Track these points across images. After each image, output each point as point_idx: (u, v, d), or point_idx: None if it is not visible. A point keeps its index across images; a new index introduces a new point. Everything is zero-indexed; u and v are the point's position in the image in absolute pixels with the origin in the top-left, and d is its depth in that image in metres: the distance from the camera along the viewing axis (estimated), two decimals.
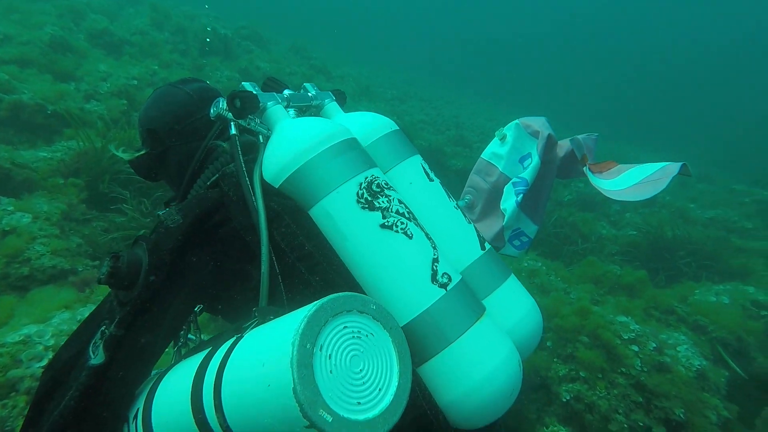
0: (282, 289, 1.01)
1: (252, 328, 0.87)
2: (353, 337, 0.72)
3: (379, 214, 1.02)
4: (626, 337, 2.95)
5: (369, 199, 1.03)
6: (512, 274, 1.18)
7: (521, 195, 1.39)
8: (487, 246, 1.18)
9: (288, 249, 1.03)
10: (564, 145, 1.49)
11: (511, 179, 1.47)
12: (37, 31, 5.49)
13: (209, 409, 0.81)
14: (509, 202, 1.40)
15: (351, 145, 1.07)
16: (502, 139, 1.50)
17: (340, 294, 0.73)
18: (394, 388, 0.71)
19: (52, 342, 1.76)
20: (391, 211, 1.02)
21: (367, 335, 0.73)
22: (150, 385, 1.00)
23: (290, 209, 1.05)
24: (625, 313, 3.31)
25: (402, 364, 0.73)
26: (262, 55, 9.14)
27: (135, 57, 6.42)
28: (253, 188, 1.04)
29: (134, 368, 1.00)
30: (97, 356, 0.94)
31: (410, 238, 1.00)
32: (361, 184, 1.03)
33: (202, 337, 1.22)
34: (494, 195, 1.50)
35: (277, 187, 1.05)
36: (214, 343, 0.96)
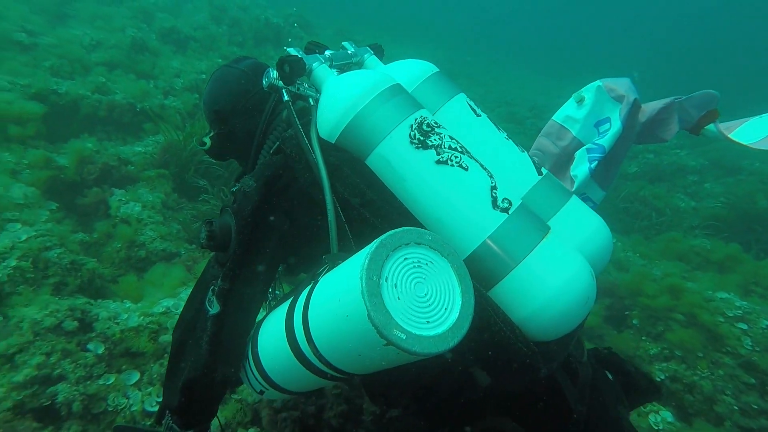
0: (350, 236, 1.07)
1: (325, 273, 0.96)
2: (414, 266, 0.78)
3: (433, 151, 1.05)
4: (731, 315, 2.72)
5: (421, 138, 1.06)
6: (574, 196, 1.18)
7: (596, 162, 1.32)
8: (544, 171, 1.18)
9: (351, 197, 1.08)
10: (646, 110, 1.39)
11: (584, 144, 1.40)
12: (120, 35, 6.03)
13: (303, 342, 0.93)
14: (581, 168, 1.34)
15: (396, 90, 1.11)
16: (580, 102, 1.42)
17: (398, 229, 0.79)
18: (459, 307, 0.77)
19: None
20: (444, 147, 1.05)
21: (426, 263, 0.79)
22: (253, 332, 1.18)
23: (348, 161, 1.10)
24: (723, 289, 3.08)
25: (463, 285, 0.79)
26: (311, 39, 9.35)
27: (198, 51, 6.89)
28: (311, 147, 1.10)
29: (243, 316, 1.17)
30: (213, 308, 1.13)
31: (466, 170, 1.03)
32: (411, 126, 1.06)
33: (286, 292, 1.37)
34: (563, 159, 1.43)
35: (333, 142, 1.11)
36: (296, 291, 1.09)
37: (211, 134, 1.44)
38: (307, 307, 0.91)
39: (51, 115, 4.20)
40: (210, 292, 1.15)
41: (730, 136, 1.33)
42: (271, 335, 1.09)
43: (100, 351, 1.87)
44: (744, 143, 1.29)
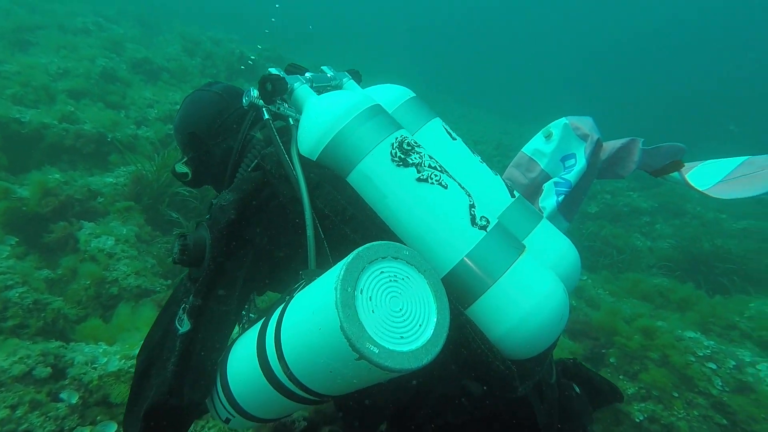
0: (328, 252, 1.07)
1: (301, 289, 0.93)
2: (390, 280, 0.77)
3: (413, 169, 1.06)
4: (701, 354, 2.80)
5: (402, 156, 1.07)
6: (544, 218, 1.21)
7: (562, 196, 1.38)
8: (516, 194, 1.21)
9: (332, 214, 1.07)
10: (607, 148, 1.48)
11: (551, 177, 1.46)
12: (88, 64, 5.88)
13: (273, 360, 0.89)
14: (549, 201, 1.38)
15: (377, 110, 1.12)
16: (548, 137, 1.48)
17: (375, 243, 0.78)
18: (434, 324, 0.76)
19: None
20: (424, 166, 1.06)
21: (403, 278, 0.78)
22: (223, 356, 1.10)
23: (329, 177, 1.10)
24: (688, 328, 3.20)
25: (439, 302, 0.78)
26: None
27: (170, 83, 6.81)
28: (292, 163, 1.09)
29: (214, 335, 1.09)
30: (183, 326, 1.05)
31: (445, 188, 1.05)
32: (393, 144, 1.08)
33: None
34: (531, 190, 1.49)
35: (314, 159, 1.12)
36: (270, 310, 1.04)
37: (185, 160, 1.39)
38: (281, 323, 0.88)
39: (12, 144, 3.97)
40: (180, 310, 1.08)
41: (686, 177, 1.39)
42: (241, 356, 1.04)
43: (74, 400, 1.70)
44: (698, 189, 1.34)
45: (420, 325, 0.75)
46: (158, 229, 3.68)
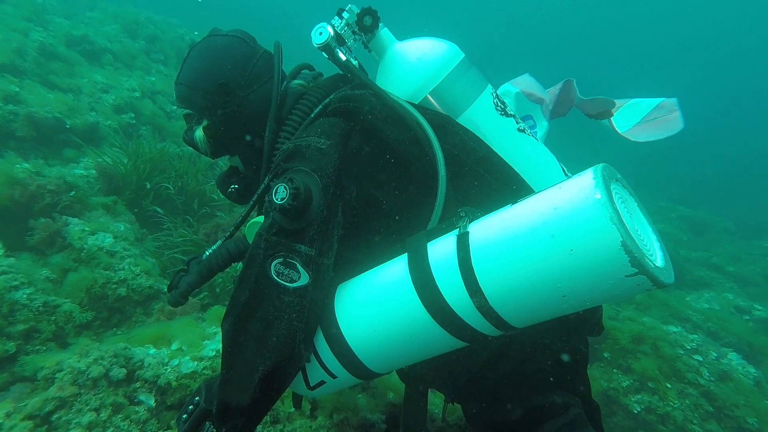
0: (451, 195, 1.03)
1: (471, 220, 0.91)
2: (621, 201, 0.76)
3: (512, 120, 1.11)
4: (689, 347, 3.04)
5: (502, 107, 1.12)
6: None
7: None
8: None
9: (462, 154, 1.06)
10: (552, 92, 1.50)
11: None
12: (21, 37, 5.14)
13: (457, 296, 0.85)
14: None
15: (468, 60, 1.14)
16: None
17: (604, 164, 0.78)
18: (659, 246, 0.77)
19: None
20: (518, 118, 1.13)
21: (625, 200, 0.78)
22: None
23: (446, 119, 1.09)
24: (663, 323, 3.45)
25: (654, 227, 0.79)
26: None
27: (114, 65, 6.18)
28: (400, 104, 1.05)
29: (325, 290, 1.02)
30: (298, 280, 0.96)
31: (537, 141, 1.13)
32: (493, 94, 1.11)
33: None
34: None
35: (417, 103, 1.10)
36: (415, 246, 0.96)
37: (205, 123, 1.19)
38: (467, 258, 0.86)
39: None
40: (278, 265, 0.97)
41: (612, 121, 1.41)
42: (372, 302, 0.99)
43: (152, 403, 1.63)
44: (619, 132, 1.36)
45: (652, 247, 0.75)
46: (144, 226, 3.43)
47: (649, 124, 1.31)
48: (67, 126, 4.02)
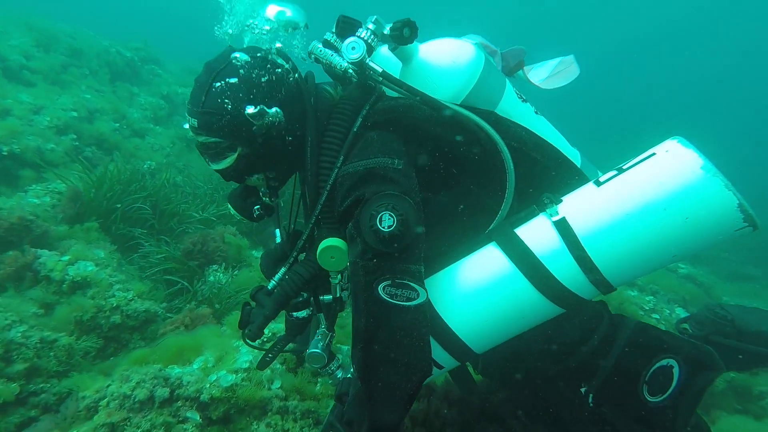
0: (513, 182, 1.11)
1: (555, 204, 1.02)
2: None
3: (529, 104, 1.26)
4: (647, 308, 3.37)
5: (520, 94, 1.26)
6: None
7: None
8: None
9: (519, 144, 1.16)
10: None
11: None
12: None
13: (570, 272, 0.96)
14: None
15: (489, 57, 1.26)
16: None
17: (679, 137, 0.94)
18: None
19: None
20: (528, 102, 1.28)
21: None
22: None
23: (497, 114, 1.18)
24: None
25: None
26: (170, 78, 8.64)
27: (40, 85, 5.65)
28: (453, 108, 1.10)
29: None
30: (418, 296, 1.00)
31: (548, 121, 1.31)
32: (512, 85, 1.24)
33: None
34: None
35: (459, 103, 1.17)
36: (498, 238, 1.06)
37: (240, 151, 1.16)
38: (575, 242, 0.98)
39: None
40: (387, 287, 1.00)
41: (528, 75, 1.54)
42: (480, 292, 1.06)
43: (198, 418, 1.63)
44: (535, 83, 1.49)
45: None
46: (119, 250, 3.23)
47: (555, 76, 1.51)
48: (4, 153, 3.67)
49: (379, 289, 1.00)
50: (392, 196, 1.02)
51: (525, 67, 1.57)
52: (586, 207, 1.03)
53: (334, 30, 1.25)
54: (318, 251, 1.16)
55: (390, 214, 0.97)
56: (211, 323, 2.37)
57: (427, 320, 1.03)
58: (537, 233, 1.06)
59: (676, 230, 0.93)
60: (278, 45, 1.19)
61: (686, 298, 4.50)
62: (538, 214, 1.09)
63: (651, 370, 1.19)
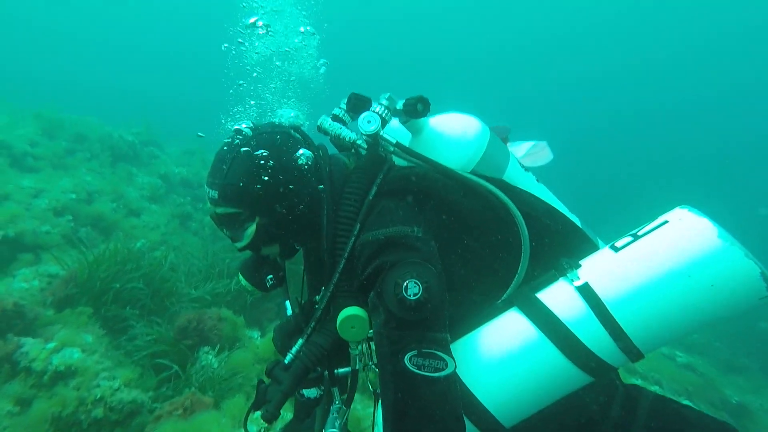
0: (527, 250, 1.12)
1: (574, 268, 1.04)
2: None
3: (530, 173, 1.35)
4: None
5: (521, 164, 1.34)
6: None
7: None
8: None
9: (531, 210, 1.20)
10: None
11: None
12: None
13: (600, 341, 0.97)
14: None
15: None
16: None
17: (689, 206, 1.02)
18: None
19: None
20: (529, 171, 1.36)
21: None
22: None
23: (506, 182, 1.23)
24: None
25: None
26: (169, 160, 8.95)
27: (44, 169, 5.80)
28: (464, 176, 1.16)
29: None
30: (447, 365, 0.97)
31: (548, 189, 1.37)
32: (512, 153, 1.32)
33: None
34: None
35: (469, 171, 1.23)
36: (520, 303, 1.05)
37: (259, 221, 1.18)
38: (602, 308, 0.98)
39: None
40: (414, 358, 0.97)
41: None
42: (506, 360, 1.03)
43: None
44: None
45: None
46: (109, 333, 3.08)
47: (529, 157, 1.60)
48: (2, 237, 3.64)
49: (405, 360, 0.97)
50: (415, 264, 1.02)
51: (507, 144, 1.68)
52: (608, 272, 1.03)
53: (342, 105, 1.34)
54: (339, 321, 1.13)
55: (415, 282, 0.97)
56: (209, 409, 2.18)
57: (458, 391, 0.99)
58: (560, 298, 1.04)
59: (703, 297, 0.95)
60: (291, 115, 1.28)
61: (689, 389, 4.50)
62: (558, 278, 1.08)
63: None
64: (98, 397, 2.29)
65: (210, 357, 3.06)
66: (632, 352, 1.00)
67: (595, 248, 1.25)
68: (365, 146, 1.26)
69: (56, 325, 2.76)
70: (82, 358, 2.44)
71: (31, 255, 3.68)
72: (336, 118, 1.32)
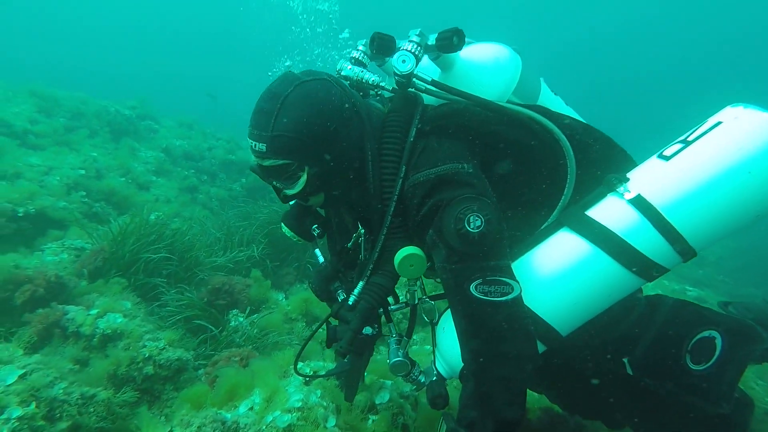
0: (574, 164, 1.18)
1: (623, 182, 1.08)
2: None
3: (559, 97, 1.40)
4: None
5: (551, 88, 1.40)
6: None
7: None
8: None
9: (574, 132, 1.22)
10: None
11: None
12: None
13: (656, 246, 1.01)
14: None
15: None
16: None
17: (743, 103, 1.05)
18: None
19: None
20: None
21: None
22: None
23: (543, 107, 1.27)
24: None
25: None
26: (168, 133, 8.86)
27: (48, 147, 5.77)
28: (506, 107, 1.17)
29: None
30: (513, 289, 1.04)
31: (575, 111, 1.43)
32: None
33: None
34: None
35: (507, 100, 1.24)
36: (570, 222, 1.11)
37: (310, 171, 1.17)
38: (658, 216, 1.03)
39: None
40: (479, 286, 1.03)
41: None
42: (563, 276, 1.10)
43: None
44: None
45: None
46: (144, 302, 3.22)
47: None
48: (20, 214, 3.71)
49: (471, 288, 1.03)
50: (472, 198, 1.05)
51: None
52: (661, 181, 1.07)
53: (361, 47, 1.30)
54: (398, 260, 1.18)
55: (477, 216, 1.00)
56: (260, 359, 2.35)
57: (525, 311, 1.06)
58: (612, 212, 1.09)
59: (760, 190, 0.98)
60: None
61: None
62: (607, 194, 1.12)
63: (693, 340, 1.23)
64: (147, 356, 2.45)
65: (241, 318, 3.24)
66: (688, 253, 1.06)
67: (632, 163, 1.29)
68: (389, 88, 1.27)
69: (92, 294, 2.89)
70: (125, 322, 2.59)
71: (55, 230, 3.76)
72: (357, 62, 1.31)
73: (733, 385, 1.25)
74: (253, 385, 1.93)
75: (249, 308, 3.27)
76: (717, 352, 1.23)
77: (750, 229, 1.11)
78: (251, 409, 1.80)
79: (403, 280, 1.29)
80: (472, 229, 1.00)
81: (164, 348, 2.53)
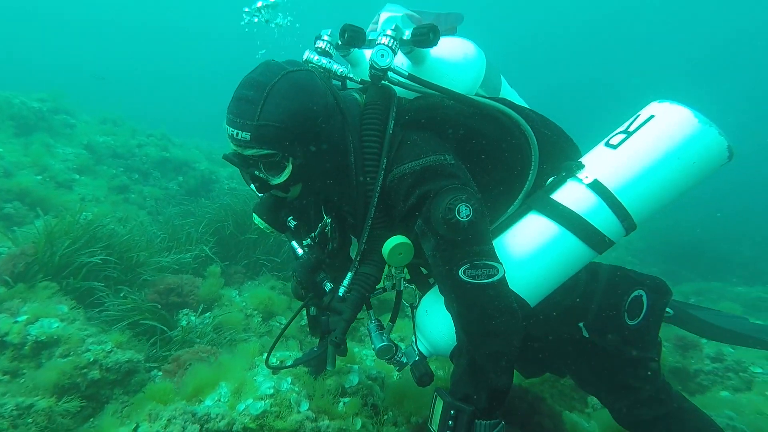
0: (537, 153, 1.28)
1: (578, 170, 1.22)
2: None
3: (513, 89, 1.52)
4: None
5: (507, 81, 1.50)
6: None
7: None
8: None
9: (534, 124, 1.32)
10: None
11: None
12: None
13: (606, 223, 1.17)
14: None
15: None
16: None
17: (669, 100, 1.24)
18: None
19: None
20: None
21: None
22: None
23: (507, 100, 1.35)
24: None
25: None
26: (88, 129, 8.05)
27: None
28: (476, 100, 1.24)
29: None
30: (498, 270, 1.11)
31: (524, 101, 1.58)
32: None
33: None
34: None
35: (474, 94, 1.30)
36: (537, 205, 1.23)
37: (294, 161, 1.15)
38: (611, 198, 1.18)
39: None
40: (467, 270, 1.09)
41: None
42: (532, 255, 1.21)
43: None
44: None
45: None
46: (82, 307, 2.91)
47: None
48: None
49: (460, 273, 1.09)
50: (458, 188, 1.11)
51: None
52: (612, 166, 1.23)
53: (327, 38, 1.30)
54: (387, 249, 1.22)
55: (466, 205, 1.06)
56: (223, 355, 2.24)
57: (508, 289, 1.14)
58: (573, 196, 1.23)
59: (686, 172, 1.19)
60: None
61: None
62: (566, 180, 1.26)
63: (628, 300, 1.43)
64: (91, 360, 2.24)
65: (192, 317, 3.06)
66: (631, 228, 1.24)
67: (578, 151, 1.43)
68: (357, 79, 1.29)
69: (14, 300, 2.57)
70: (63, 327, 2.34)
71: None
72: (323, 52, 1.31)
73: (657, 330, 1.48)
74: (219, 379, 1.85)
75: (201, 306, 3.10)
76: (644, 308, 1.44)
77: (659, 213, 1.31)
78: (218, 400, 1.72)
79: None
80: (462, 218, 1.05)
81: (111, 351, 2.32)
